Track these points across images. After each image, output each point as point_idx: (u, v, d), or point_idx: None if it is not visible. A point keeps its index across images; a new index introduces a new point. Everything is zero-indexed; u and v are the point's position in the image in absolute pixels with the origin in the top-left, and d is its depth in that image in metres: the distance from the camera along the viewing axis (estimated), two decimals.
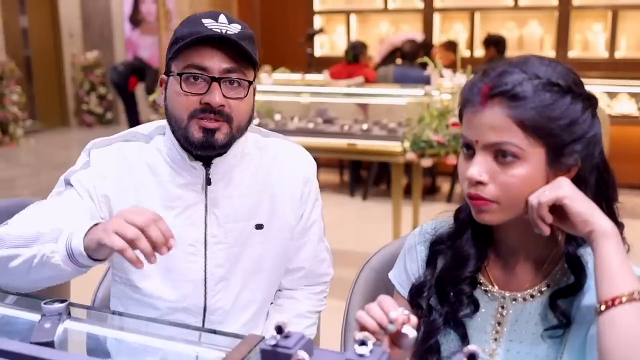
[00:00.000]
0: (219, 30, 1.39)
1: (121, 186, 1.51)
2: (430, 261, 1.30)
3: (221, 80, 1.41)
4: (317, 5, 8.41)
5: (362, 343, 1.00)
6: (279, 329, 1.05)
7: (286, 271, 1.66)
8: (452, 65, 4.73)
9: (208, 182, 1.50)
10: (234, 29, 1.41)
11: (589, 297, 1.15)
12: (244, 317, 1.59)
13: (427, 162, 3.65)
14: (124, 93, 8.47)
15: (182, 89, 1.42)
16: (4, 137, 8.00)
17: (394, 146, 3.70)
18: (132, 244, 1.16)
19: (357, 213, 5.57)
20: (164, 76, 1.49)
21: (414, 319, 1.05)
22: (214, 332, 1.32)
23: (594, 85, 6.86)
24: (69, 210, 1.44)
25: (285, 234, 1.60)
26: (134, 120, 8.54)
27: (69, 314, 1.28)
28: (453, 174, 5.96)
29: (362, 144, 3.77)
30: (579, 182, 1.13)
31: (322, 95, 5.10)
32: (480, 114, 1.12)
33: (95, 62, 9.83)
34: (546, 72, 1.11)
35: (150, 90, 7.02)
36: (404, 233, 4.11)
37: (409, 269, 1.35)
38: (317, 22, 8.44)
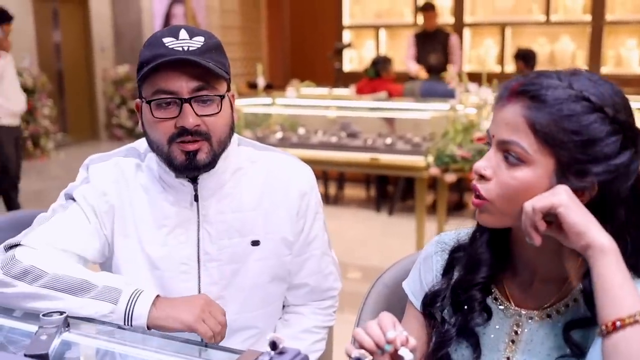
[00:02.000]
0: (180, 49, 1.35)
1: (120, 202, 1.49)
2: (447, 271, 1.26)
3: (192, 100, 1.36)
4: (346, 20, 8.41)
5: None
6: (273, 345, 1.01)
7: (291, 287, 1.62)
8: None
9: (196, 198, 1.47)
10: (197, 42, 1.37)
11: None
12: (246, 334, 1.56)
13: (450, 177, 3.58)
14: None
15: (154, 116, 1.38)
16: (35, 150, 8.12)
17: (418, 161, 3.65)
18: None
19: (382, 229, 5.50)
20: (138, 100, 1.46)
21: (412, 342, 1.00)
22: (217, 347, 1.28)
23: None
24: (80, 233, 1.45)
25: (282, 250, 1.55)
26: None
27: (68, 326, 1.25)
28: None
29: (385, 158, 3.72)
30: (601, 213, 1.05)
31: (347, 109, 5.07)
32: (503, 109, 1.09)
33: (126, 76, 9.93)
34: (584, 86, 1.05)
35: None
36: None
37: (424, 278, 1.30)
38: (346, 36, 8.44)
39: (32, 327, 1.27)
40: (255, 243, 1.51)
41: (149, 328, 1.29)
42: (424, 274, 1.31)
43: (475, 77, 4.05)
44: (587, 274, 1.10)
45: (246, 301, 1.53)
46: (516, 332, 1.18)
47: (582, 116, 1.03)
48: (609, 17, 7.21)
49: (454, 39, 6.81)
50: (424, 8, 6.83)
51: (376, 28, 8.33)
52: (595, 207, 1.06)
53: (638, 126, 1.09)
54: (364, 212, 5.96)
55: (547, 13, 7.40)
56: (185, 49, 1.35)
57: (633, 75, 7.20)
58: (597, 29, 7.23)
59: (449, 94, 5.53)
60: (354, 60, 8.63)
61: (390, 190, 6.27)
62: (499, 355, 1.19)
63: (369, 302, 1.62)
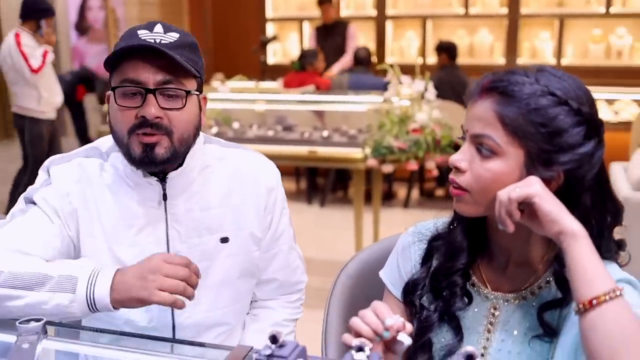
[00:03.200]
0: (152, 41, 1.35)
1: (85, 203, 1.46)
2: (426, 259, 1.32)
3: (156, 92, 1.36)
4: (269, 13, 8.39)
5: (359, 349, 0.99)
6: (274, 339, 1.02)
7: (260, 282, 1.63)
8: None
9: (165, 197, 1.46)
10: (170, 38, 1.37)
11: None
12: (218, 331, 1.56)
13: (388, 168, 3.66)
14: (72, 103, 8.27)
15: (117, 103, 1.37)
16: None
17: (355, 153, 3.71)
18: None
19: (315, 220, 5.55)
20: (109, 92, 1.44)
21: (409, 327, 1.05)
22: (202, 345, 1.28)
23: None
24: (40, 234, 1.41)
25: (251, 246, 1.56)
26: (82, 131, 8.34)
27: (46, 332, 1.22)
28: (410, 179, 6.01)
29: (323, 151, 3.76)
30: (567, 200, 1.12)
31: (280, 102, 5.08)
32: (475, 105, 1.16)
33: None
34: (549, 81, 1.12)
35: (103, 100, 6.87)
36: (365, 239, 4.12)
37: (402, 268, 1.35)
38: (270, 29, 8.42)
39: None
40: (224, 240, 1.51)
41: (115, 309, 1.29)
42: (403, 264, 1.36)
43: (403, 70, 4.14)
44: (555, 258, 1.18)
45: (217, 298, 1.53)
46: (493, 315, 1.25)
47: (548, 109, 1.10)
48: (524, 10, 7.49)
49: (351, 29, 6.98)
50: (320, 1, 6.94)
51: (300, 21, 8.34)
52: (562, 194, 1.13)
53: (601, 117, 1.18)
54: (295, 204, 6.00)
55: (466, 6, 7.60)
56: (158, 41, 1.35)
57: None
58: (513, 22, 7.50)
59: (377, 86, 5.64)
60: (277, 53, 8.62)
61: (320, 183, 6.33)
62: (478, 336, 1.25)
63: (335, 293, 1.65)
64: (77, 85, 8.13)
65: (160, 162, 1.39)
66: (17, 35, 5.02)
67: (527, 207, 1.09)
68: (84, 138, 8.48)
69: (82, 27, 9.87)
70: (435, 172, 3.93)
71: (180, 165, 1.45)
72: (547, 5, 7.58)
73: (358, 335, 1.05)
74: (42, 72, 5.06)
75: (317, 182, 6.34)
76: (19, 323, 1.21)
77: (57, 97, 5.28)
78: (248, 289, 1.61)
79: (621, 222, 1.21)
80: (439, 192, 6.46)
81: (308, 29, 8.38)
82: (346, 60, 6.74)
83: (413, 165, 3.67)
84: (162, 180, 1.45)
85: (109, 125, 1.44)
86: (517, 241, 1.21)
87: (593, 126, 1.13)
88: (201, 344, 1.28)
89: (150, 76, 1.35)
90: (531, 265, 1.23)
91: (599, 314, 1.02)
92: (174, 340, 1.26)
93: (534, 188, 1.08)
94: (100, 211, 1.46)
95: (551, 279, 1.21)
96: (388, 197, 6.04)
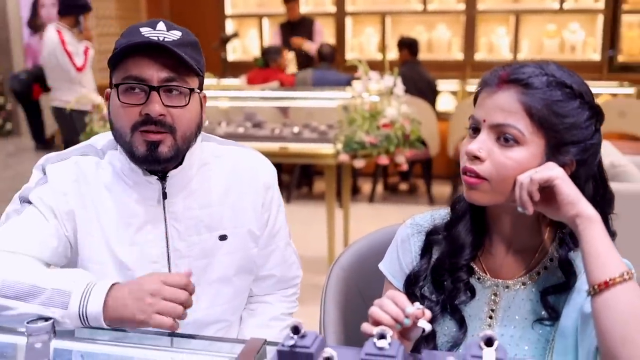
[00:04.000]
0: (155, 38, 1.34)
1: (82, 202, 1.45)
2: (426, 251, 1.34)
3: (160, 89, 1.36)
4: (228, 10, 8.35)
5: (381, 336, 1.01)
6: (296, 330, 1.04)
7: (257, 278, 1.65)
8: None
9: (164, 196, 1.46)
10: (173, 36, 1.37)
11: (576, 294, 1.21)
12: (217, 327, 1.57)
13: (359, 163, 3.70)
14: (27, 102, 8.10)
15: (120, 100, 1.37)
16: None
17: (327, 148, 3.73)
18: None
19: None
20: (108, 90, 1.44)
21: (428, 313, 1.08)
22: (219, 339, 1.29)
23: None
24: (36, 234, 1.39)
25: (249, 243, 1.57)
26: (38, 131, 8.18)
27: (55, 332, 1.22)
28: (374, 174, 6.07)
29: (294, 147, 3.77)
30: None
31: (246, 99, 5.07)
32: (494, 95, 1.18)
33: None
34: (562, 75, 1.17)
35: None
36: (337, 234, 4.15)
37: (403, 260, 1.38)
38: (229, 26, 8.38)
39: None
40: (223, 237, 1.52)
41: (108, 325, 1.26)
42: (403, 256, 1.38)
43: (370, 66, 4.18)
44: (561, 244, 1.23)
45: (216, 295, 1.54)
46: (494, 301, 1.29)
47: (568, 101, 1.15)
48: (480, 6, 7.63)
49: (317, 25, 7.05)
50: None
51: (259, 17, 8.33)
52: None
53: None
54: None
55: (424, 3, 7.71)
56: (162, 39, 1.34)
57: (504, 61, 7.65)
58: (471, 18, 7.64)
59: (340, 82, 5.67)
60: (237, 50, 8.59)
61: (285, 180, 6.34)
62: (481, 323, 1.29)
63: (330, 285, 1.68)
64: (33, 84, 7.96)
65: (164, 161, 1.39)
66: (59, 33, 4.93)
67: (544, 191, 1.13)
68: (39, 138, 8.31)
69: (35, 24, 9.63)
70: (406, 167, 3.97)
71: (180, 163, 1.45)
72: (503, 1, 7.74)
73: (377, 323, 1.07)
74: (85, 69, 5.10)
75: (281, 178, 6.35)
76: (27, 323, 1.20)
77: (93, 91, 5.26)
78: (246, 286, 1.62)
79: (611, 211, 1.26)
80: (403, 186, 6.54)
81: (268, 25, 8.38)
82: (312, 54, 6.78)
83: (384, 160, 3.71)
84: (162, 178, 1.45)
85: (109, 122, 1.43)
86: (518, 228, 1.26)
87: (599, 119, 1.19)
88: (215, 338, 1.30)
89: (155, 73, 1.35)
90: (530, 252, 1.28)
91: (612, 295, 1.06)
92: (189, 336, 1.26)
93: (556, 171, 1.12)
94: (99, 210, 1.45)
95: (549, 264, 1.26)
96: (353, 192, 6.09)
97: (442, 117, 6.11)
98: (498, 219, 1.27)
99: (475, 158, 1.18)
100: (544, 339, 1.24)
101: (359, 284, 1.72)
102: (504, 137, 1.16)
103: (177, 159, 1.42)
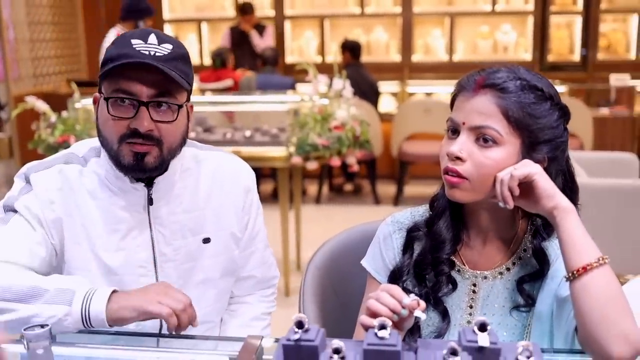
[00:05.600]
0: (147, 53, 1.36)
1: (68, 209, 1.47)
2: (407, 247, 1.41)
3: (149, 104, 1.38)
4: (166, 14, 8.29)
5: (382, 327, 1.07)
6: (300, 324, 1.09)
7: (238, 279, 1.68)
8: None
9: (150, 202, 1.49)
10: (164, 49, 1.38)
11: (550, 281, 1.31)
12: (202, 328, 1.58)
13: (312, 165, 3.76)
14: None
15: (109, 112, 1.39)
16: None
17: (279, 151, 3.78)
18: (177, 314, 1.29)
19: None
20: (97, 94, 1.45)
21: (422, 304, 1.14)
22: (220, 338, 1.33)
23: (436, 86, 7.38)
24: (24, 243, 1.40)
25: (231, 246, 1.61)
26: None
27: (53, 337, 1.23)
28: (320, 176, 6.14)
29: (247, 150, 3.80)
30: None
31: (197, 104, 5.05)
32: (471, 100, 1.26)
33: None
34: (532, 78, 1.27)
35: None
36: (291, 236, 4.20)
37: (386, 256, 1.44)
38: (168, 31, 8.31)
39: None
40: (206, 240, 1.56)
41: (110, 325, 1.30)
42: (385, 252, 1.45)
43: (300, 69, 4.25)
44: (535, 235, 1.33)
45: (201, 297, 1.57)
46: (474, 291, 1.37)
47: (540, 104, 1.25)
48: (416, 9, 7.81)
49: (269, 30, 7.17)
50: (244, 11, 7.01)
51: (198, 22, 8.30)
52: None
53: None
54: None
55: (362, 6, 7.84)
56: (152, 53, 1.36)
57: (440, 62, 7.88)
58: (407, 21, 7.81)
59: (284, 86, 5.73)
60: None
61: None
62: (462, 312, 1.37)
63: (307, 282, 1.74)
64: None
65: (149, 170, 1.42)
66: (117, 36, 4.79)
67: (521, 186, 1.22)
68: None
69: None
70: (356, 167, 4.06)
71: (165, 170, 1.48)
72: (438, 3, 7.95)
73: (374, 315, 1.13)
74: None
75: None
76: (25, 330, 1.21)
77: None
78: (228, 287, 1.66)
79: (578, 202, 1.37)
80: (348, 187, 6.64)
81: (207, 29, 8.35)
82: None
83: (336, 162, 3.79)
84: (148, 184, 1.48)
85: (97, 129, 1.45)
86: (495, 222, 1.35)
87: (566, 118, 1.29)
88: (212, 338, 1.33)
89: (144, 89, 1.37)
90: (505, 243, 1.37)
91: (590, 279, 1.16)
92: (186, 336, 1.30)
93: (534, 167, 1.21)
94: (84, 217, 1.47)
95: (523, 254, 1.36)
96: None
97: (384, 118, 6.24)
98: (475, 214, 1.36)
99: (457, 158, 1.26)
100: (521, 324, 1.33)
101: (333, 280, 1.79)
102: (483, 138, 1.25)
103: (161, 168, 1.45)
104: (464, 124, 1.27)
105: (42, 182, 1.45)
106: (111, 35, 5.11)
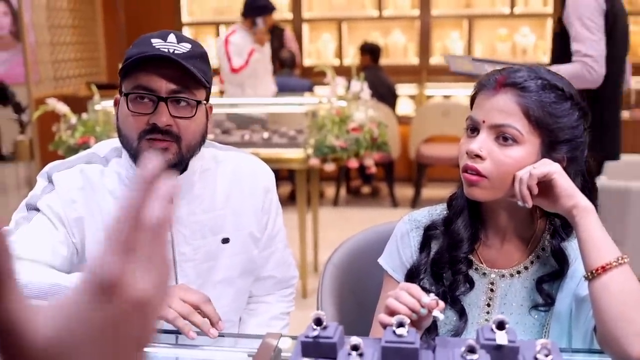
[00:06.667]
0: (166, 50, 1.38)
1: (90, 209, 1.49)
2: (425, 246, 1.42)
3: (168, 100, 1.40)
4: (185, 17, 8.34)
5: (400, 325, 1.08)
6: (318, 321, 1.10)
7: (257, 279, 1.70)
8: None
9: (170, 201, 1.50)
10: (183, 48, 1.41)
11: (569, 280, 1.31)
12: None
13: (330, 167, 3.77)
14: None
15: (129, 109, 1.41)
16: None
17: (297, 153, 3.80)
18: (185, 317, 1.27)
19: None
20: (117, 96, 1.48)
21: (441, 304, 1.15)
22: (239, 335, 1.34)
23: (454, 89, 7.36)
24: (47, 241, 1.42)
25: (250, 246, 1.63)
26: None
27: None
28: (338, 178, 6.15)
29: (265, 152, 3.82)
30: None
31: (215, 107, 5.08)
32: (492, 98, 1.27)
33: None
34: (552, 78, 1.27)
35: (18, 110, 6.62)
36: (308, 238, 4.21)
37: (403, 254, 1.45)
38: (186, 33, 8.35)
39: None
40: (225, 240, 1.57)
41: None
42: (403, 250, 1.46)
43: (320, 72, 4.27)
44: (554, 234, 1.33)
45: (220, 297, 1.58)
46: (492, 290, 1.37)
47: (560, 103, 1.25)
48: (434, 12, 7.79)
49: (288, 33, 7.12)
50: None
51: (216, 25, 8.34)
52: None
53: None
54: None
55: (380, 8, 7.84)
56: (172, 50, 1.38)
57: None
58: (425, 23, 7.79)
59: (302, 88, 5.74)
60: None
61: None
62: (479, 311, 1.37)
63: (325, 282, 1.75)
64: None
65: (168, 167, 1.43)
66: (231, 32, 4.80)
67: (540, 185, 1.22)
68: None
69: None
70: (374, 169, 4.07)
71: (185, 169, 1.50)
72: (456, 6, 7.93)
73: (393, 314, 1.14)
74: (244, 71, 4.88)
75: None
76: None
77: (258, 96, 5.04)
78: (247, 287, 1.68)
79: (597, 203, 1.36)
80: (366, 189, 6.64)
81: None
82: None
83: (354, 163, 3.79)
84: None
85: (116, 128, 1.47)
86: (513, 221, 1.35)
87: (586, 119, 1.29)
88: (231, 335, 1.34)
89: (163, 85, 1.39)
90: (523, 242, 1.37)
91: (609, 278, 1.16)
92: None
93: (554, 166, 1.22)
94: (105, 217, 1.48)
95: (541, 253, 1.36)
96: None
97: (402, 120, 6.24)
98: (494, 213, 1.36)
99: (476, 156, 1.26)
100: (539, 323, 1.33)
101: (350, 279, 1.80)
102: (503, 137, 1.25)
103: (180, 166, 1.47)
104: (484, 122, 1.27)
105: (64, 181, 1.48)
106: (235, 34, 4.96)
